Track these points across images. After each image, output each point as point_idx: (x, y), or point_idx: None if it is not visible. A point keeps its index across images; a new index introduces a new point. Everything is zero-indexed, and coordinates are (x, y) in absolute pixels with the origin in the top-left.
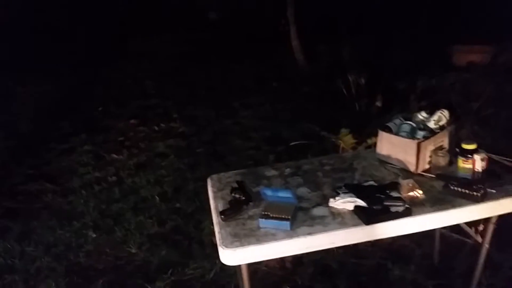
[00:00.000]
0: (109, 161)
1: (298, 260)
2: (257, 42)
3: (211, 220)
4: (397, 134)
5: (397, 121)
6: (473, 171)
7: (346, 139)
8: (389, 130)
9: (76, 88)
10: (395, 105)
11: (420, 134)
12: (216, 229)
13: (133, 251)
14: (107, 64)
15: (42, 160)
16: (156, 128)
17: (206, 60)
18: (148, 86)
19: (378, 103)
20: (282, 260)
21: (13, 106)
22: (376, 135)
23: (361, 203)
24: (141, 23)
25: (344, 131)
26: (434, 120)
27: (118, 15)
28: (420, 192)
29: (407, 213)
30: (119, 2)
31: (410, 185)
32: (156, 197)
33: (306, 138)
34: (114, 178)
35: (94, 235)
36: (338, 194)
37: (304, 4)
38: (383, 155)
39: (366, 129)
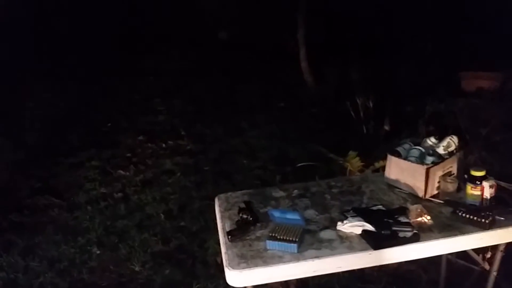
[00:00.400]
0: (115, 177)
1: (303, 283)
2: (265, 62)
3: (216, 239)
4: (406, 158)
5: (406, 145)
6: (481, 197)
7: (354, 162)
8: (398, 155)
9: (85, 102)
10: (403, 129)
11: (429, 159)
12: (223, 249)
13: (137, 269)
14: (116, 79)
15: (49, 174)
16: (163, 145)
17: (214, 79)
18: (156, 103)
19: (386, 127)
20: (286, 282)
21: (22, 118)
22: (384, 158)
23: (369, 227)
24: (150, 40)
25: (351, 153)
26: (443, 146)
27: (127, 30)
28: (428, 217)
29: (415, 238)
30: (129, 18)
31: (419, 210)
32: (161, 214)
33: (313, 159)
34: (120, 194)
35: (98, 252)
36: (346, 218)
37: (313, 26)
38: (392, 180)
39: (374, 152)
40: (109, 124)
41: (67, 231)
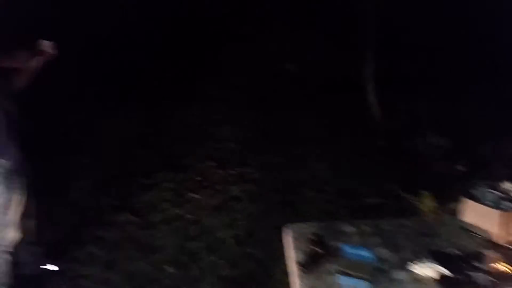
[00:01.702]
0: (188, 200)
1: None
2: (332, 94)
3: (283, 268)
4: (482, 202)
5: (482, 188)
6: None
7: (427, 202)
8: (473, 198)
9: (159, 126)
10: (478, 171)
11: (506, 205)
12: (295, 280)
13: None
14: (187, 104)
15: (128, 193)
16: (231, 171)
17: (280, 108)
18: (225, 130)
19: (460, 167)
20: None
21: (102, 139)
22: (458, 200)
23: (444, 271)
24: (218, 69)
25: (424, 193)
26: None
27: (199, 60)
28: (506, 265)
29: (492, 286)
30: (200, 49)
31: (495, 257)
32: (229, 239)
33: (383, 196)
34: (191, 216)
35: (171, 270)
36: (419, 259)
37: (383, 59)
38: (467, 223)
39: (447, 193)
40: (182, 149)
41: (143, 248)
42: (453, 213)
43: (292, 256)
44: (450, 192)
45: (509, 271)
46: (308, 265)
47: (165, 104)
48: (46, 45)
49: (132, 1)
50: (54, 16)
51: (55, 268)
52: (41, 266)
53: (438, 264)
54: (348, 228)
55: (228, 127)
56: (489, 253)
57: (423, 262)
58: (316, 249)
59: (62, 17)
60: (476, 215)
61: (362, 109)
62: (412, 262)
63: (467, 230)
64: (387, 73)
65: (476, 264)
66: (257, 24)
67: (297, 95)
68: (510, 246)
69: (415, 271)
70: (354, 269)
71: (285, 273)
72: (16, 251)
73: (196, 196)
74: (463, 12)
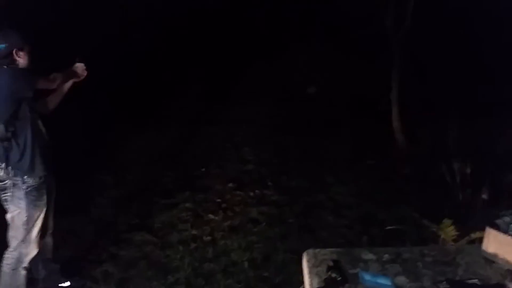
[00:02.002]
0: (206, 221)
1: None
2: (354, 118)
3: None
4: (506, 233)
5: (507, 218)
6: None
7: (448, 230)
8: (497, 228)
9: (181, 146)
10: (502, 200)
11: None
12: None
13: None
14: (210, 126)
15: (146, 212)
16: (251, 193)
17: (301, 132)
18: (246, 152)
19: (484, 196)
20: None
21: (124, 158)
22: (480, 229)
23: None
24: (241, 91)
25: (446, 221)
26: None
27: (222, 81)
28: None
29: None
30: (223, 72)
31: None
32: (246, 262)
33: (403, 223)
34: (208, 237)
35: None
36: None
37: (409, 85)
38: (490, 253)
39: (470, 222)
40: (203, 169)
41: (159, 268)
42: (476, 242)
43: (309, 282)
44: (473, 221)
45: None
46: None
47: (189, 126)
48: (79, 67)
49: (162, 25)
50: (86, 36)
51: (70, 284)
52: (56, 283)
53: None
54: (368, 255)
55: (249, 149)
56: None
57: None
58: (333, 275)
59: (95, 37)
60: (499, 245)
61: (386, 134)
62: None
63: (490, 260)
64: (412, 99)
65: None
66: (281, 48)
67: (320, 119)
68: None
69: None
70: None
71: None
72: (33, 267)
73: (214, 217)
74: (489, 41)
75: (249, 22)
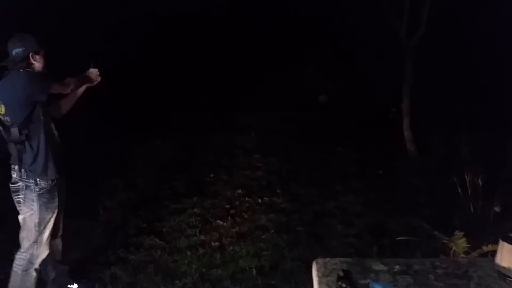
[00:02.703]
0: (214, 227)
1: None
2: (365, 127)
3: None
4: None
5: None
6: None
7: (460, 243)
8: (511, 241)
9: (191, 152)
10: None
11: None
12: None
13: None
14: (219, 132)
15: (155, 216)
16: (259, 200)
17: (311, 140)
18: (255, 159)
19: (497, 208)
20: None
21: (134, 163)
22: (492, 242)
23: None
24: (251, 99)
25: (458, 233)
26: None
27: (233, 89)
28: None
29: None
30: (235, 77)
31: None
32: (253, 269)
33: (413, 234)
34: (217, 243)
35: None
36: None
37: (421, 95)
38: (503, 267)
39: (482, 235)
40: (212, 175)
41: (167, 273)
42: (488, 255)
43: None
44: (485, 234)
45: None
46: None
47: (199, 133)
48: (94, 72)
49: (172, 35)
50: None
51: (77, 287)
52: (64, 285)
53: None
54: (378, 266)
55: (259, 156)
56: None
57: None
58: (344, 285)
59: (105, 45)
60: None
61: (397, 144)
62: None
63: (502, 274)
64: (424, 109)
65: None
66: (293, 56)
67: (331, 127)
68: None
69: None
70: None
71: None
72: (43, 268)
73: (222, 223)
74: (503, 53)
75: (259, 30)
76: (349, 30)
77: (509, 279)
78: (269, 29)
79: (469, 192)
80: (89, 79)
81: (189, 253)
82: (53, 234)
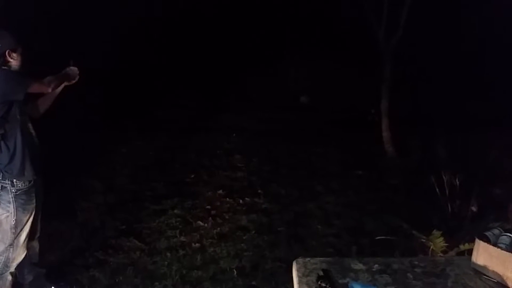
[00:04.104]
0: (195, 228)
1: None
2: (344, 128)
3: None
4: (495, 245)
5: (496, 231)
6: None
7: (438, 242)
8: (487, 240)
9: (172, 152)
10: (491, 212)
11: None
12: None
13: None
14: (201, 133)
15: (134, 218)
16: (241, 201)
17: (292, 141)
18: (237, 159)
19: (473, 208)
20: None
21: (114, 163)
22: (469, 241)
23: None
24: (233, 100)
25: (436, 233)
26: None
27: (215, 90)
28: None
29: None
30: (216, 81)
31: None
32: (234, 270)
33: (392, 233)
34: (197, 245)
35: None
36: None
37: (399, 97)
38: (479, 265)
39: (459, 234)
40: (192, 176)
41: (146, 275)
42: (465, 254)
43: None
44: (462, 233)
45: None
46: None
47: (180, 133)
48: (73, 70)
49: (156, 32)
50: (78, 39)
51: None
52: None
53: None
54: (357, 265)
55: (240, 157)
56: None
57: None
58: (323, 285)
59: (86, 41)
60: (489, 258)
61: (376, 145)
62: None
63: (479, 272)
64: (402, 110)
65: None
66: (275, 57)
67: (312, 128)
68: None
69: None
70: None
71: None
72: (19, 271)
73: (203, 224)
74: (481, 55)
75: (243, 31)
76: (331, 32)
77: (485, 276)
78: (253, 30)
79: (447, 192)
80: (68, 78)
81: (169, 254)
82: (30, 236)
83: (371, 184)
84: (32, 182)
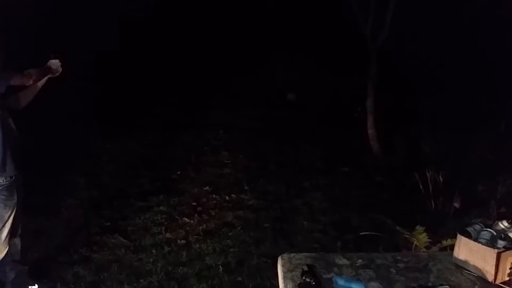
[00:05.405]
0: (180, 224)
1: None
2: (331, 125)
3: None
4: (476, 240)
5: (477, 226)
6: None
7: (421, 237)
8: (468, 235)
9: (159, 149)
10: (473, 208)
11: (501, 243)
12: None
13: None
14: (188, 129)
15: (119, 214)
16: (227, 197)
17: (279, 138)
18: (223, 156)
19: (456, 204)
20: None
21: (99, 159)
22: (451, 236)
23: None
24: (221, 97)
25: (419, 228)
26: None
27: (203, 87)
28: None
29: None
30: (203, 77)
31: None
32: (220, 266)
33: (377, 229)
34: (183, 241)
35: None
36: None
37: (384, 93)
38: (460, 260)
39: (442, 229)
40: (179, 173)
41: (131, 272)
42: (447, 249)
43: (284, 286)
44: (445, 228)
45: None
46: None
47: (167, 130)
48: (54, 63)
49: (141, 30)
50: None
51: (38, 287)
52: (24, 286)
53: None
54: (341, 260)
55: (227, 154)
56: None
57: None
58: (308, 280)
59: (71, 36)
60: (470, 252)
61: (361, 142)
62: None
63: (461, 267)
64: (387, 108)
65: None
66: (262, 54)
67: (298, 125)
68: (503, 286)
69: None
70: None
71: None
72: (0, 269)
73: (189, 221)
74: (467, 54)
75: (229, 28)
76: (317, 30)
77: (466, 271)
78: (240, 27)
79: (430, 189)
80: (50, 71)
81: (154, 251)
82: (11, 233)
83: (357, 181)
84: (14, 177)
